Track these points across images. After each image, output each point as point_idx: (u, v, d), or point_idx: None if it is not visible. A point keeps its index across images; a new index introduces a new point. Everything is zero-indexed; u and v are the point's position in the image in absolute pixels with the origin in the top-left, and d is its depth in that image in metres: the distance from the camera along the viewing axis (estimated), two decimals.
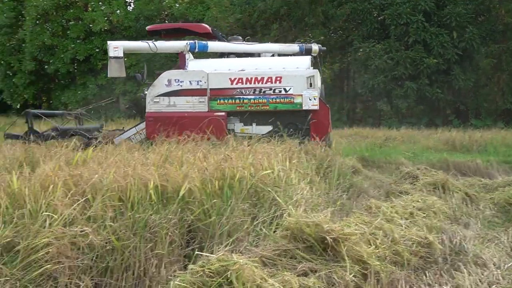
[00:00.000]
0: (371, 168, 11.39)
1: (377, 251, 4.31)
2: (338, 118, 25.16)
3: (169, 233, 4.46)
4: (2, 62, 31.04)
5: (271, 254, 4.11)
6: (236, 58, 12.46)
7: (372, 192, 8.34)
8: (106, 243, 4.19)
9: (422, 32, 22.43)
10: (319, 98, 11.20)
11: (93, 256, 4.12)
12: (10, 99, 31.87)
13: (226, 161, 5.64)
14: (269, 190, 5.38)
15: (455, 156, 12.57)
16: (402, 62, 22.48)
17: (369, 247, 4.30)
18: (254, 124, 11.39)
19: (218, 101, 11.30)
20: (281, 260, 4.04)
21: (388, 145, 15.30)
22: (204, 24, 14.78)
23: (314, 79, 11.17)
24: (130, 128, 12.20)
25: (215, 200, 4.91)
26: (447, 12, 22.63)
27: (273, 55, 12.96)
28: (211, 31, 13.62)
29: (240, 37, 14.00)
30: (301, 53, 12.73)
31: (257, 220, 5.04)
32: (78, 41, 27.99)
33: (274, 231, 4.69)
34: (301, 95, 11.11)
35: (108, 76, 12.43)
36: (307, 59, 11.89)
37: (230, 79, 11.27)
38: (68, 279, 3.89)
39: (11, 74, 31.64)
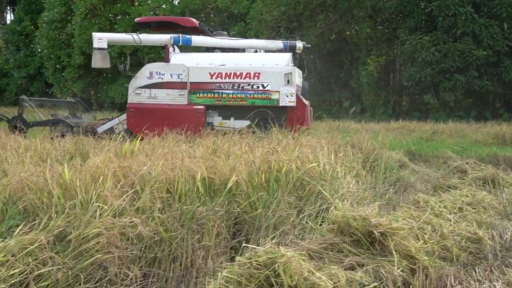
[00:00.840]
0: (418, 162, 11.22)
1: (425, 246, 4.25)
2: (383, 112, 24.88)
3: (216, 225, 4.50)
4: (52, 56, 31.74)
5: (318, 247, 4.09)
6: (220, 53, 12.75)
7: (419, 187, 8.21)
8: (154, 234, 4.25)
9: (470, 24, 21.89)
10: (296, 95, 11.39)
11: (141, 247, 4.19)
12: (60, 93, 32.58)
13: (272, 154, 5.65)
14: (315, 184, 5.36)
15: (505, 150, 12.25)
16: (450, 54, 22.02)
17: (417, 242, 4.24)
18: (232, 119, 11.60)
19: (198, 94, 11.55)
20: (327, 254, 4.03)
21: (436, 139, 15.03)
22: (191, 18, 15.06)
23: (292, 76, 11.36)
24: (113, 118, 12.49)
25: (261, 193, 4.92)
26: (497, 2, 22.03)
27: (256, 51, 13.29)
28: (198, 25, 13.87)
29: (225, 32, 14.34)
30: (285, 49, 13.02)
31: (303, 213, 5.03)
32: None
33: (320, 225, 4.68)
34: (278, 91, 11.31)
35: (92, 66, 12.83)
36: (287, 56, 12.13)
37: (209, 73, 11.50)
38: (118, 268, 3.96)
39: (61, 68, 32.33)
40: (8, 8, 45.47)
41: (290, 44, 13.22)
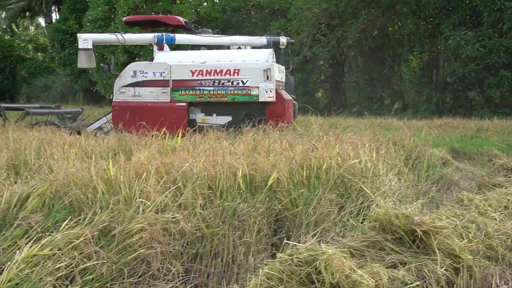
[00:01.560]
0: (461, 160, 11.00)
1: (469, 245, 4.17)
2: (426, 108, 24.50)
3: (257, 222, 4.52)
4: (96, 54, 32.36)
5: (359, 245, 4.07)
6: (203, 50, 13.02)
7: (463, 185, 8.06)
8: (196, 230, 4.29)
9: None
10: (276, 90, 11.68)
11: (183, 242, 4.24)
12: (104, 90, 33.10)
13: (312, 151, 5.63)
14: (356, 181, 5.33)
15: None
16: (495, 50, 21.52)
17: (461, 241, 4.16)
18: (214, 115, 11.91)
19: (180, 92, 11.83)
20: (369, 252, 4.00)
21: (480, 136, 14.70)
22: (177, 17, 15.79)
23: (271, 71, 11.56)
24: (101, 118, 12.85)
25: (302, 190, 4.92)
26: None
27: (239, 48, 13.50)
28: (184, 23, 14.50)
29: (209, 30, 14.69)
30: (269, 45, 13.17)
31: (344, 210, 5.01)
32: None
33: (362, 222, 4.64)
34: (258, 87, 11.52)
35: (78, 67, 13.28)
36: (266, 52, 12.21)
37: (191, 71, 11.77)
38: (160, 263, 4.02)
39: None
40: (54, 7, 46.43)
41: (274, 40, 13.41)
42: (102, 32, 31.53)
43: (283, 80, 12.93)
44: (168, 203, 4.41)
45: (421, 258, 3.89)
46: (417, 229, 3.96)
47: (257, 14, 29.14)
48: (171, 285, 3.95)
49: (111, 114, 12.39)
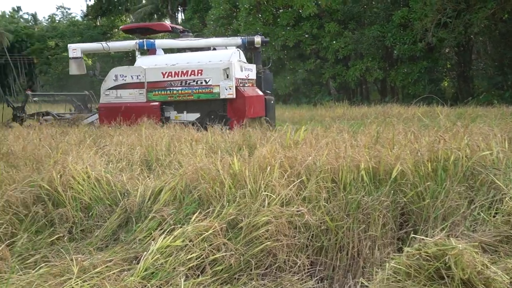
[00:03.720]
0: None
1: None
2: None
3: (382, 215, 4.45)
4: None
5: (492, 240, 3.90)
6: (177, 53, 14.67)
7: None
8: (321, 223, 4.31)
9: None
10: (237, 88, 12.91)
11: (308, 235, 4.28)
12: None
13: (439, 142, 5.44)
14: (487, 173, 5.08)
15: None
16: None
17: None
18: (185, 112, 13.43)
19: (154, 92, 13.43)
20: (503, 247, 3.82)
21: None
22: (164, 23, 18.12)
23: (230, 70, 12.85)
24: (94, 114, 14.54)
25: (428, 183, 4.77)
26: None
27: (213, 48, 14.85)
28: (170, 29, 16.16)
29: (190, 34, 16.30)
30: (244, 45, 14.41)
31: (474, 204, 4.80)
32: (288, 28, 28.90)
33: (494, 216, 4.43)
34: (219, 85, 12.91)
35: (70, 73, 14.86)
36: (229, 52, 13.62)
37: (162, 73, 13.32)
38: (286, 256, 4.09)
39: None
40: (179, 8, 48.32)
41: (249, 40, 14.48)
42: (225, 30, 32.50)
43: (251, 77, 14.01)
44: (292, 196, 4.47)
45: None
46: None
47: (378, 4, 28.48)
48: (297, 278, 4.00)
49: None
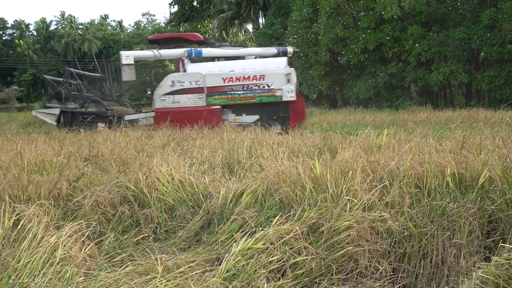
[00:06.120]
0: None
1: None
2: None
3: (468, 223, 4.31)
4: (301, 54, 33.28)
5: None
6: (225, 61, 15.50)
7: None
8: (404, 229, 4.23)
9: None
10: (296, 91, 14.32)
11: (391, 241, 4.21)
12: (307, 91, 33.98)
13: None
14: None
15: None
16: None
17: None
18: (244, 114, 14.48)
19: (214, 96, 14.38)
20: None
21: None
22: (197, 34, 19.00)
23: (291, 76, 14.44)
24: (141, 112, 15.46)
25: None
26: None
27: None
28: (203, 39, 17.25)
29: (227, 44, 18.21)
30: (279, 54, 15.85)
31: None
32: (368, 30, 28.51)
33: None
34: (281, 89, 14.24)
35: (122, 80, 15.68)
36: (284, 60, 15.12)
37: (222, 78, 14.37)
38: (368, 261, 4.04)
39: (309, 66, 33.66)
40: (261, 13, 48.72)
41: (283, 50, 16.09)
42: (305, 33, 32.51)
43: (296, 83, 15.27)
44: (375, 201, 4.41)
45: None
46: None
47: (464, 5, 27.58)
48: (379, 284, 3.95)
49: (150, 113, 14.89)
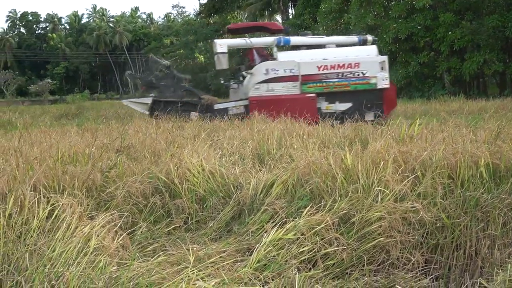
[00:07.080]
0: None
1: None
2: None
3: (502, 214, 4.25)
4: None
5: None
6: (315, 49, 15.13)
7: None
8: (436, 220, 4.19)
9: None
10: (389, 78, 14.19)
11: (423, 232, 4.17)
12: None
13: None
14: None
15: None
16: None
17: None
18: (337, 102, 14.29)
19: (308, 84, 14.15)
20: None
21: None
22: (276, 23, 19.64)
23: (385, 63, 14.29)
24: (231, 101, 15.24)
25: None
26: None
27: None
28: (282, 28, 17.32)
29: (309, 32, 17.61)
30: (359, 43, 15.57)
31: None
32: (399, 20, 28.16)
33: None
34: (376, 76, 14.04)
35: (216, 69, 15.71)
36: (374, 48, 15.05)
37: (317, 66, 14.12)
38: (400, 252, 4.01)
39: None
40: (290, 4, 48.56)
41: (363, 39, 15.77)
42: (335, 24, 32.31)
43: None
44: (406, 192, 4.37)
45: None
46: None
47: None
48: (411, 275, 3.91)
49: (240, 102, 14.68)
